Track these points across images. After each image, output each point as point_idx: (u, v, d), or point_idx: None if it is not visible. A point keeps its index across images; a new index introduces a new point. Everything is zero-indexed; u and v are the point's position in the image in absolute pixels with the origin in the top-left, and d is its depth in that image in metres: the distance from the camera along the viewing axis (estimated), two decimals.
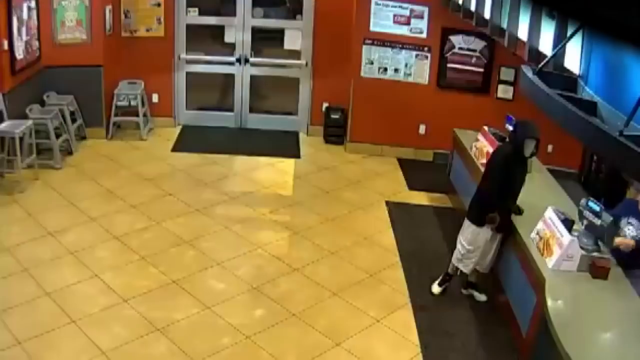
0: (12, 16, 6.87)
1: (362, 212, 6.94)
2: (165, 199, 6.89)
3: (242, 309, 5.14)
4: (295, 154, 8.38)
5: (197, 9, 8.65)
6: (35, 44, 7.52)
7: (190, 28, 8.71)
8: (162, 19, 8.45)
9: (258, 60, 8.84)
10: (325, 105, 8.82)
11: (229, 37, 8.82)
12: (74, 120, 7.91)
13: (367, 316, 5.14)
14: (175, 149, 8.28)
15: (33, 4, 7.39)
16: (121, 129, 8.55)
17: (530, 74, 3.56)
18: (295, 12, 8.86)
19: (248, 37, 8.71)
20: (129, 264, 5.64)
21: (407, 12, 8.03)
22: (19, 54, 7.08)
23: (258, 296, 5.32)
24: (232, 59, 8.80)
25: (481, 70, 8.08)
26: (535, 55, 4.37)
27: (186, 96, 8.98)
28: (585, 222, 4.50)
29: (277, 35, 8.85)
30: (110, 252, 5.82)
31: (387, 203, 7.15)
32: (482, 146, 6.30)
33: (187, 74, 8.86)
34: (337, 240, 6.27)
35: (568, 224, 4.49)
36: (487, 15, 5.49)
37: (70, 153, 7.75)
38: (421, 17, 8.03)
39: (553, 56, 3.81)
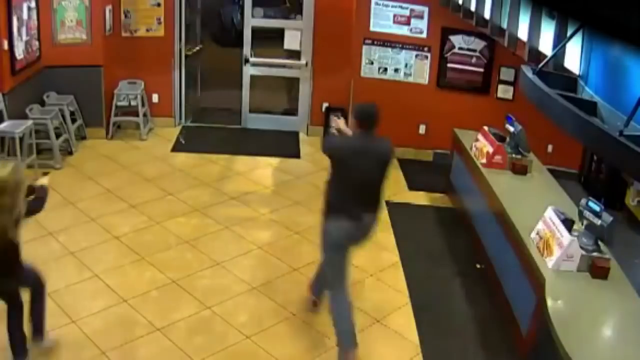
0: (12, 16, 6.87)
1: None
2: (165, 199, 6.89)
3: (241, 309, 5.14)
4: (295, 154, 8.38)
5: None
6: (35, 44, 7.52)
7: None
8: (162, 19, 8.45)
9: (258, 60, 8.85)
10: (325, 105, 8.82)
11: None
12: (74, 120, 7.91)
13: (367, 316, 5.14)
14: (175, 149, 8.28)
15: (33, 4, 7.40)
16: (121, 129, 8.55)
17: (530, 74, 3.55)
18: (295, 12, 8.86)
19: (248, 37, 8.72)
20: (129, 264, 5.64)
21: (407, 12, 8.02)
22: (19, 54, 7.09)
23: (258, 296, 5.32)
24: None
25: (481, 70, 8.08)
26: (535, 55, 4.37)
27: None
28: (585, 222, 4.50)
29: (276, 35, 8.86)
30: (110, 252, 5.82)
31: (387, 203, 7.13)
32: (482, 146, 6.30)
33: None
34: None
35: (568, 224, 4.48)
36: (487, 15, 5.48)
37: (70, 153, 7.75)
38: (421, 17, 8.03)
39: (553, 56, 3.80)
